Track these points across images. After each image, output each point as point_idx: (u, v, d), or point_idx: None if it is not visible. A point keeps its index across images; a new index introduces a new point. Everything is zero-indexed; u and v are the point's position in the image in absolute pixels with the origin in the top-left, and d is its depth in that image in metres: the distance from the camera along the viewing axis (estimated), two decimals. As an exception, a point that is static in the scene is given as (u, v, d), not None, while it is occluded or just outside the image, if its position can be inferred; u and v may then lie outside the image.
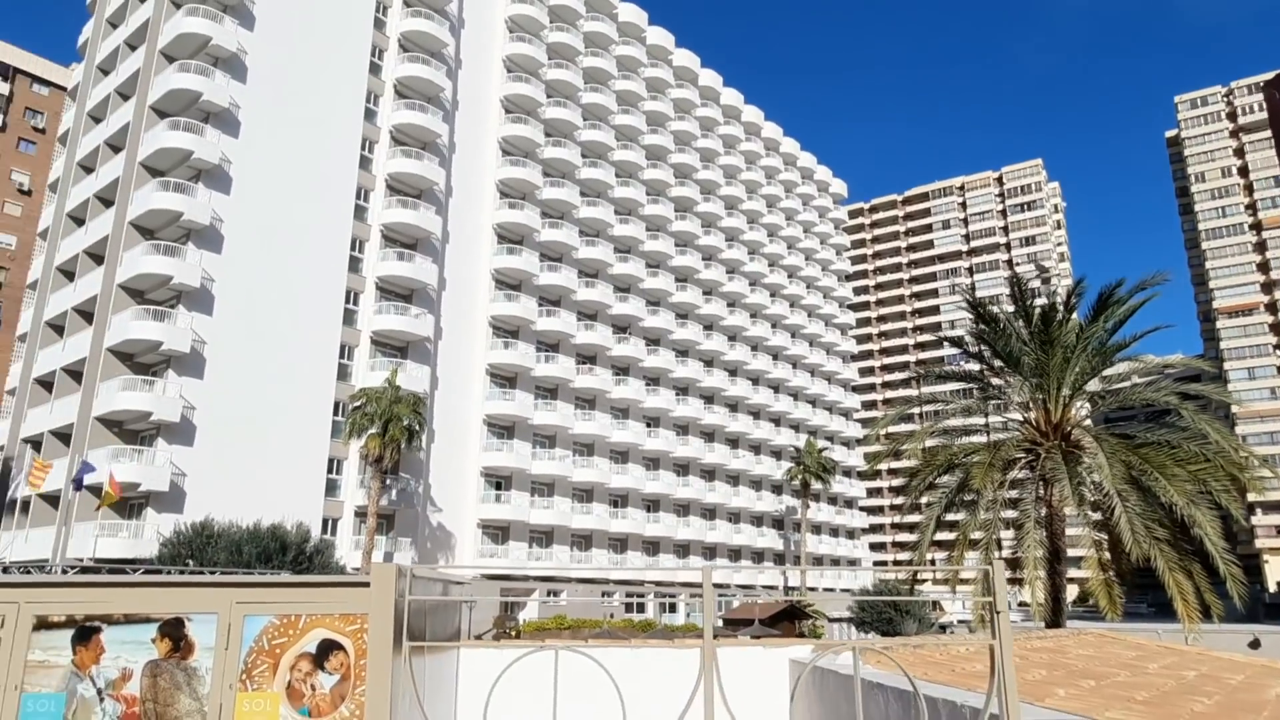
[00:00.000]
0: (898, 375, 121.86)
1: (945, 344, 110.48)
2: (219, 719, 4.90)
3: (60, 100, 62.79)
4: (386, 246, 44.85)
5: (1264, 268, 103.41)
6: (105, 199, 40.69)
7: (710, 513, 62.67)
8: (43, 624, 5.07)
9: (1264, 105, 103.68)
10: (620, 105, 61.67)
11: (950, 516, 21.38)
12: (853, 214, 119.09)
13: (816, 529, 72.93)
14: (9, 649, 5.01)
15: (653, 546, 57.41)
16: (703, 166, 68.57)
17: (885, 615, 35.64)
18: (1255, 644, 41.63)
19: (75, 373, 38.23)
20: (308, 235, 40.87)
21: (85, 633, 5.06)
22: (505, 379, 50.08)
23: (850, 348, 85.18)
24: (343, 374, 41.86)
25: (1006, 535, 20.84)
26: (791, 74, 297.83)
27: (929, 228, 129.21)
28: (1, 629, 5.05)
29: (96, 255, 39.75)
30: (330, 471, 40.58)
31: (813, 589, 66.62)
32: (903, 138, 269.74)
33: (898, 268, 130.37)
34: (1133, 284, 19.64)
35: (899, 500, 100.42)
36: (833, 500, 76.05)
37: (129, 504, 34.51)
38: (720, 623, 29.32)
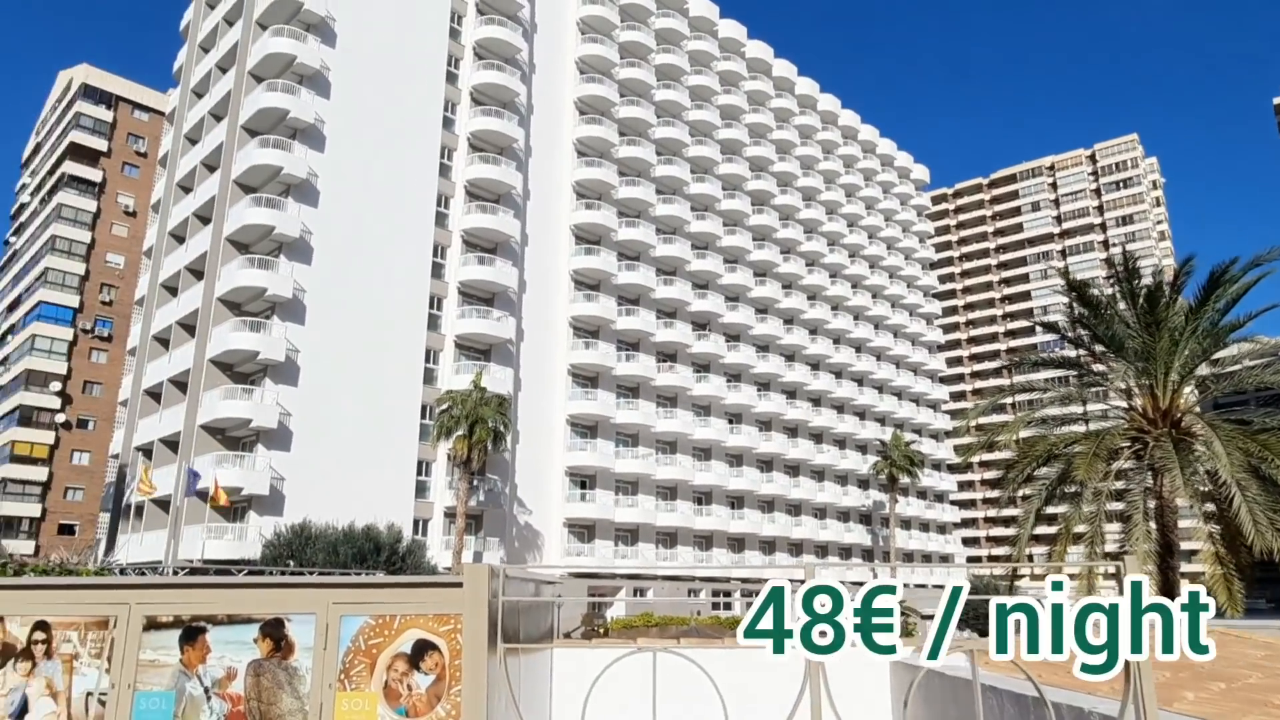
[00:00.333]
0: (987, 365, 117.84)
1: (1039, 330, 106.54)
2: (320, 718, 4.96)
3: (159, 125, 66.07)
4: (467, 251, 45.69)
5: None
6: (203, 216, 42.60)
7: (795, 509, 61.87)
8: (152, 624, 5.22)
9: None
10: (693, 100, 61.38)
11: (1050, 509, 20.55)
12: (936, 200, 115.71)
13: (906, 524, 71.17)
14: (122, 648, 5.18)
15: (738, 543, 56.99)
16: (779, 158, 67.68)
17: (983, 613, 34.45)
18: (1392, 643, 38.72)
19: (180, 383, 40.11)
20: (391, 243, 41.94)
21: (191, 633, 5.19)
22: (587, 379, 50.44)
23: (936, 338, 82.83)
24: (429, 378, 42.81)
25: (1110, 529, 19.91)
26: (867, 59, 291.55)
27: (1017, 210, 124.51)
28: (115, 629, 5.22)
29: (196, 271, 41.64)
30: (420, 473, 41.56)
31: (904, 585, 64.98)
32: (986, 119, 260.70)
33: (985, 253, 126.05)
34: (1246, 261, 18.46)
35: (993, 494, 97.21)
36: (922, 494, 74.10)
37: (233, 507, 36.04)
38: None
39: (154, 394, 42.77)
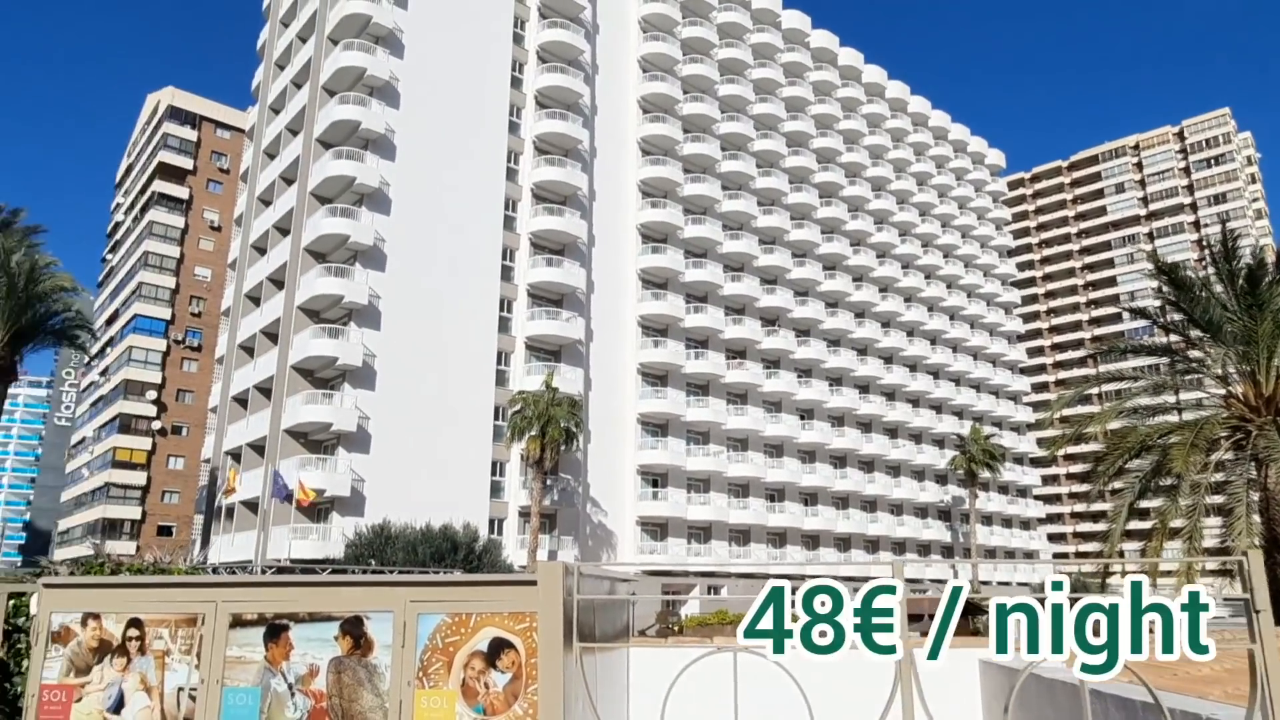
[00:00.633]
0: (1071, 354, 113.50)
1: (1126, 316, 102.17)
2: (399, 715, 4.98)
3: (240, 142, 68.71)
4: (535, 254, 46.15)
5: None
6: (282, 228, 44.04)
7: (870, 505, 60.68)
8: (238, 621, 5.33)
9: None
10: (758, 94, 60.77)
11: (1143, 504, 19.62)
12: (1012, 185, 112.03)
13: (987, 519, 69.13)
14: (210, 645, 5.30)
15: (812, 540, 56.22)
16: (847, 149, 66.48)
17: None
18: None
19: (265, 390, 41.54)
20: (462, 247, 42.65)
21: (275, 630, 5.28)
22: (656, 377, 50.42)
23: (1016, 327, 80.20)
24: (500, 379, 43.39)
25: (1209, 523, 18.91)
26: (935, 43, 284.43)
27: (1100, 193, 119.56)
28: (203, 626, 5.35)
29: (277, 281, 43.06)
30: (494, 474, 42.16)
31: (985, 582, 63.19)
32: (1062, 98, 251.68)
33: (1066, 239, 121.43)
34: (1356, 234, 17.29)
35: (1080, 488, 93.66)
36: (1004, 489, 71.88)
37: (316, 509, 37.16)
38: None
39: (241, 400, 44.40)
